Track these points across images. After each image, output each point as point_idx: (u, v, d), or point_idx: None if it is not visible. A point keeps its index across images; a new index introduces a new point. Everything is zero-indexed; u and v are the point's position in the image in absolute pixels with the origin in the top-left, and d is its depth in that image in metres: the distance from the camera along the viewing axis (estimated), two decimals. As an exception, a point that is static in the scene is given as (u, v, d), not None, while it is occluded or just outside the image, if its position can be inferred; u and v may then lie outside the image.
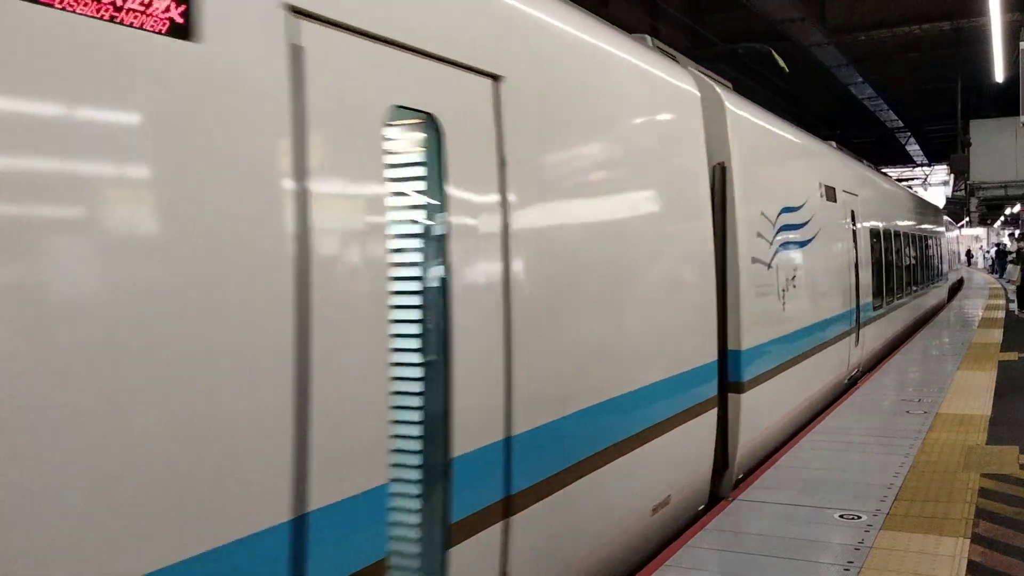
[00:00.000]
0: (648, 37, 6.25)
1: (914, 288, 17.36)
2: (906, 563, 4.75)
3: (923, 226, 20.15)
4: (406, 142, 3.40)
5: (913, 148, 38.08)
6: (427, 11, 3.39)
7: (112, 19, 2.17)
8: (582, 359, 4.39)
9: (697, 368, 5.80)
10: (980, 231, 67.99)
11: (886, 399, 9.86)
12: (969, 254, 62.84)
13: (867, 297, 11.98)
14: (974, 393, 9.98)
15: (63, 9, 2.06)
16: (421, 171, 3.41)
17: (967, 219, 42.42)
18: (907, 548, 4.98)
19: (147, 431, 2.22)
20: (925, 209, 22.64)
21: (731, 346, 6.54)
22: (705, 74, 7.00)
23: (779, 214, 7.78)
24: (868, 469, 6.73)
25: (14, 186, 1.98)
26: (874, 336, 12.59)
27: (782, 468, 6.84)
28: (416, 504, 3.36)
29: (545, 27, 4.35)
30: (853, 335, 11.04)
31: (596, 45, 4.85)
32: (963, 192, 29.03)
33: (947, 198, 39.19)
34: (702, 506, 6.07)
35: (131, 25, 2.21)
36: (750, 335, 6.76)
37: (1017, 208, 35.60)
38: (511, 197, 3.74)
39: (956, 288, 31.90)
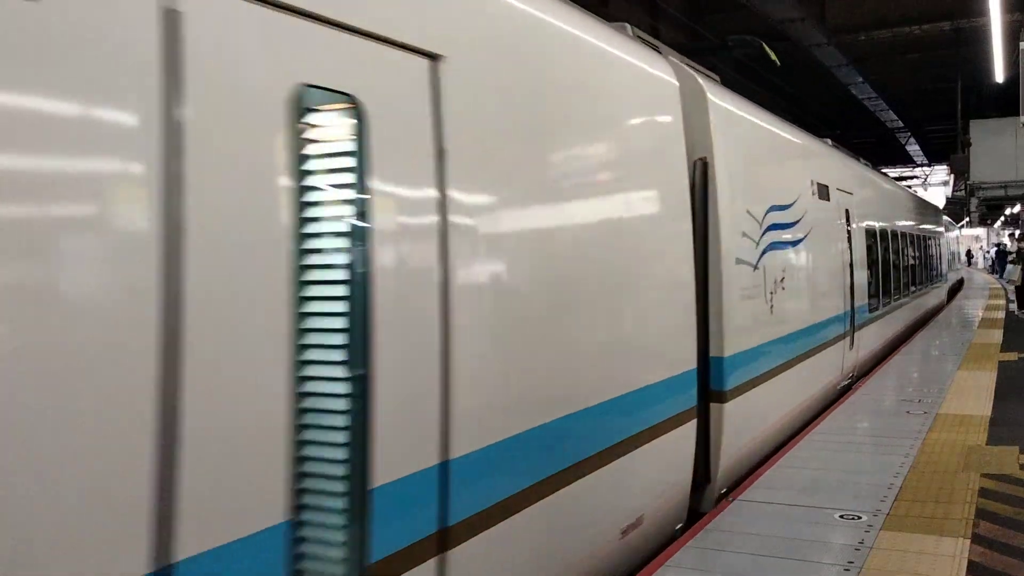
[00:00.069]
0: (628, 25, 5.94)
1: (912, 289, 17.21)
2: (906, 563, 4.75)
3: (922, 226, 20.10)
4: (322, 127, 3.02)
5: (913, 148, 38.06)
6: None
7: None
8: (537, 370, 4.01)
9: (673, 377, 5.42)
10: (980, 231, 67.97)
11: (886, 399, 9.85)
12: (969, 254, 62.81)
13: (862, 299, 11.69)
14: (974, 393, 9.98)
15: None
16: (340, 161, 3.04)
17: (967, 219, 42.41)
18: (907, 548, 4.97)
19: None
20: (924, 209, 22.59)
21: (713, 352, 6.20)
22: (691, 66, 6.68)
23: (767, 212, 7.44)
24: (868, 469, 6.72)
25: None
26: (870, 339, 12.36)
27: (782, 468, 6.83)
28: (322, 546, 2.93)
29: (495, 3, 3.94)
30: (847, 339, 10.72)
31: (554, 25, 4.44)
32: (963, 192, 29.00)
33: (947, 198, 39.18)
34: (680, 525, 5.73)
35: None
36: (734, 341, 6.41)
37: (1017, 208, 35.59)
38: (452, 192, 3.36)
39: (956, 289, 31.88)
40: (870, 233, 12.69)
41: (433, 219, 3.29)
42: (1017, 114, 16.03)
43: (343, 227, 3.03)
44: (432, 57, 3.32)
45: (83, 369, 2.09)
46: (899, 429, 8.15)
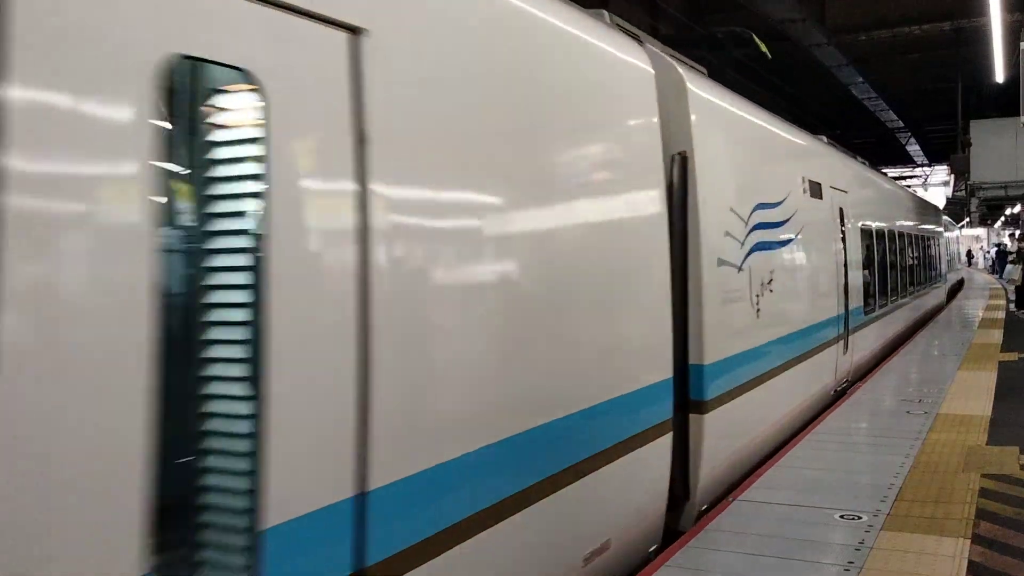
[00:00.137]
0: (606, 12, 5.54)
1: (910, 290, 17.06)
2: (906, 563, 4.74)
3: (920, 226, 20.03)
4: (208, 107, 2.63)
5: (913, 148, 38.09)
6: None
7: None
8: (479, 386, 3.61)
9: (644, 388, 4.99)
10: (980, 231, 67.97)
11: (886, 399, 9.84)
12: (970, 254, 62.83)
13: (857, 301, 11.39)
14: (974, 393, 9.97)
15: None
16: (230, 150, 2.66)
17: (967, 219, 42.41)
18: (907, 548, 4.96)
19: None
20: (922, 208, 22.48)
21: (692, 360, 5.77)
22: (674, 56, 6.32)
23: (753, 211, 7.06)
24: (868, 469, 6.71)
25: None
26: (865, 343, 12.07)
27: (782, 468, 6.82)
28: None
29: None
30: (841, 342, 10.39)
31: (501, 0, 4.04)
32: (963, 192, 29.00)
33: (947, 198, 39.16)
34: (654, 547, 5.32)
35: None
36: (715, 347, 6.00)
37: (1017, 208, 35.60)
38: (375, 185, 2.96)
39: (956, 289, 31.86)
40: (866, 233, 12.47)
41: (349, 216, 2.88)
42: (1017, 114, 16.03)
43: (226, 227, 2.66)
44: (352, 30, 2.95)
45: None
46: (899, 429, 8.14)
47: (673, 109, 5.71)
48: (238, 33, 2.53)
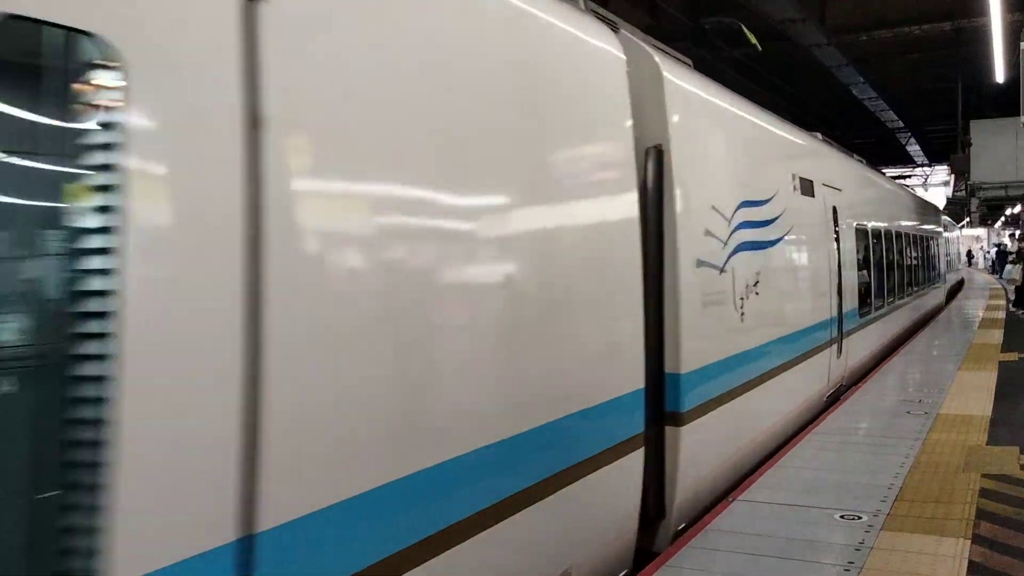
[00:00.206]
0: None
1: (908, 291, 16.91)
2: (907, 563, 4.74)
3: (919, 226, 19.97)
4: (53, 81, 2.22)
5: (913, 148, 38.07)
6: None
7: None
8: (409, 403, 3.15)
9: (610, 401, 4.57)
10: (981, 231, 67.97)
11: (886, 399, 9.84)
12: (970, 254, 62.86)
13: (852, 303, 11.06)
14: (974, 394, 9.97)
15: None
16: (82, 136, 2.20)
17: (968, 219, 42.41)
18: (908, 548, 4.96)
19: None
20: (921, 207, 22.43)
21: (668, 368, 5.37)
22: (654, 45, 5.91)
23: (737, 209, 6.66)
24: (869, 469, 6.71)
25: None
26: (860, 346, 11.73)
27: (782, 468, 6.82)
28: None
29: None
30: (834, 346, 10.03)
31: None
32: (964, 192, 28.98)
33: (947, 198, 39.15)
34: (624, 571, 4.95)
35: None
36: (693, 354, 5.59)
37: (1018, 208, 35.58)
38: (271, 173, 2.54)
39: (956, 290, 31.83)
40: (862, 233, 12.24)
41: (235, 207, 2.45)
42: (1017, 114, 16.01)
43: (64, 222, 2.24)
44: None
45: None
46: (900, 429, 8.15)
47: (648, 99, 5.33)
48: None
